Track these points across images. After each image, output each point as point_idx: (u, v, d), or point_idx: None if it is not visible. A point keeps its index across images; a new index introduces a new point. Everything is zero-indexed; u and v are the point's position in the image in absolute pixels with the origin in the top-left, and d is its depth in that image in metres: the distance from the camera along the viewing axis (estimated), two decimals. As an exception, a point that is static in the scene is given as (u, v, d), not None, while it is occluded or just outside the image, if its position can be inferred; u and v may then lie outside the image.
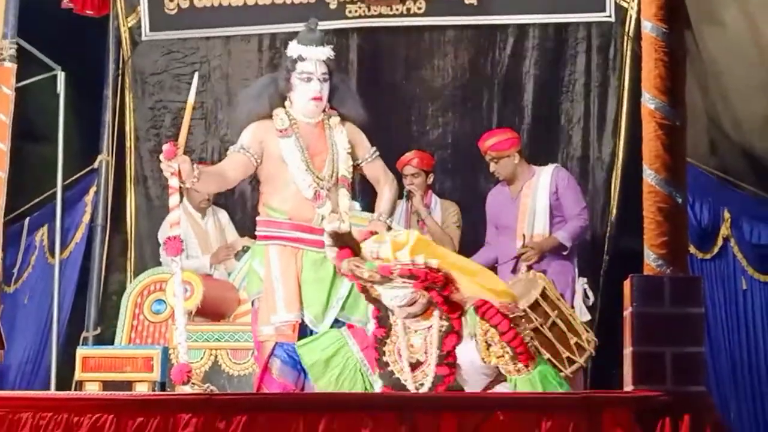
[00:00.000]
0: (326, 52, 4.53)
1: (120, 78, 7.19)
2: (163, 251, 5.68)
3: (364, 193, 6.63)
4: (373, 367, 3.94)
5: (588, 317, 5.80)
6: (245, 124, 4.59)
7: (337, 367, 4.00)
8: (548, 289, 5.34)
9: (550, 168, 6.08)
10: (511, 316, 3.82)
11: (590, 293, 5.88)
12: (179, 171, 4.22)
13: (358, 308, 4.44)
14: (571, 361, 5.19)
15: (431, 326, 3.82)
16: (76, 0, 6.92)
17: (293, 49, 4.55)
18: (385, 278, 3.70)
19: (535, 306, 5.20)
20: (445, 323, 3.81)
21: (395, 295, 3.76)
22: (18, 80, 6.08)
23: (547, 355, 4.82)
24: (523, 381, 3.80)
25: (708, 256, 6.40)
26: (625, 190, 6.40)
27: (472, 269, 3.87)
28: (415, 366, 3.83)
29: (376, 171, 4.66)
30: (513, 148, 6.03)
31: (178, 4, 7.17)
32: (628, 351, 3.39)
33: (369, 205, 6.20)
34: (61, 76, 6.82)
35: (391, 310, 3.85)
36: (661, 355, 3.30)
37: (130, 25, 7.20)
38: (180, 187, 4.29)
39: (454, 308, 3.80)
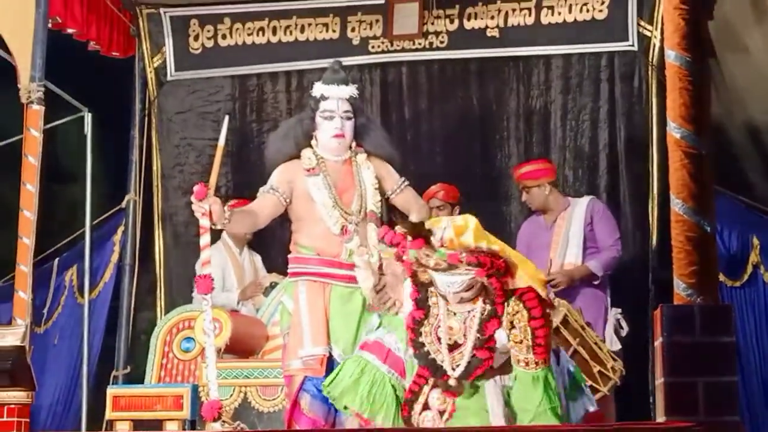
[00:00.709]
0: (349, 90, 4.60)
1: (146, 118, 7.27)
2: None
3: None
4: (402, 373, 3.96)
5: (618, 347, 5.77)
6: (274, 165, 4.64)
7: (366, 384, 3.98)
8: (570, 316, 5.32)
9: (585, 199, 6.09)
10: (547, 310, 3.86)
11: (624, 323, 5.85)
12: (210, 212, 4.23)
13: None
14: (594, 390, 5.17)
15: (472, 309, 3.85)
16: (103, 42, 7.00)
17: (317, 89, 4.64)
18: (452, 266, 3.72)
19: (555, 332, 5.18)
20: (489, 307, 3.84)
21: (453, 281, 3.77)
22: (46, 122, 6.12)
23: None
24: (526, 377, 3.81)
25: (738, 284, 6.35)
26: (663, 219, 6.37)
27: (521, 258, 3.92)
28: (452, 348, 3.85)
29: (407, 199, 4.69)
30: (544, 178, 6.04)
31: (202, 44, 7.24)
32: (659, 381, 3.37)
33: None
34: (88, 118, 6.89)
35: (433, 292, 3.87)
36: (693, 385, 3.27)
37: (155, 65, 7.28)
38: (211, 228, 4.31)
39: (505, 295, 3.84)
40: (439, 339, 3.87)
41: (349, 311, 4.46)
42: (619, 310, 5.89)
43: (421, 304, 3.93)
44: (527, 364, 3.83)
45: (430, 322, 3.91)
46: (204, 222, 4.28)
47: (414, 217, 4.62)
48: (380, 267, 4.47)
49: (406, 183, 4.73)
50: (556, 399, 3.85)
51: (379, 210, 4.58)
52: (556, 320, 5.22)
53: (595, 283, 5.89)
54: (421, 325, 3.92)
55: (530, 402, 3.83)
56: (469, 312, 3.87)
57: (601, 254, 5.93)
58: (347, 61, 7.04)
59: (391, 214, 4.91)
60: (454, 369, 3.84)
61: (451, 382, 3.84)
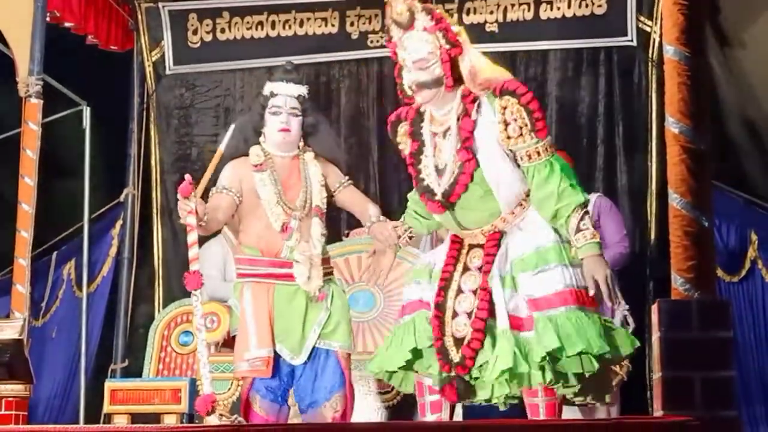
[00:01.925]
0: (298, 89, 4.66)
1: (145, 112, 7.26)
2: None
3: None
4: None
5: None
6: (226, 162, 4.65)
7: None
8: None
9: (593, 197, 6.06)
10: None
11: (630, 320, 5.86)
12: (195, 210, 4.28)
13: (339, 333, 4.53)
14: (615, 374, 5.20)
15: (450, 126, 4.00)
16: (101, 36, 6.99)
17: (267, 87, 4.71)
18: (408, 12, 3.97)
19: None
20: (461, 107, 3.98)
21: (414, 49, 3.98)
22: (44, 116, 6.14)
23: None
24: (540, 171, 3.89)
25: (736, 279, 6.35)
26: (660, 215, 6.36)
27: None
28: (441, 171, 4.02)
29: (351, 196, 4.71)
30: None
31: (201, 38, 7.23)
32: (656, 376, 3.37)
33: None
34: (86, 111, 6.90)
35: (422, 126, 4.08)
36: (690, 380, 3.28)
37: (154, 59, 7.27)
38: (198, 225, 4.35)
39: (466, 91, 3.99)
40: (436, 167, 4.04)
41: (294, 310, 4.50)
42: (627, 307, 5.89)
43: (416, 136, 4.13)
44: (538, 153, 3.90)
45: (426, 153, 4.07)
46: (190, 220, 4.30)
47: (363, 206, 4.65)
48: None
49: (350, 182, 4.75)
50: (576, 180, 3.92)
51: (325, 206, 4.62)
52: None
53: None
54: (419, 160, 4.10)
55: (549, 186, 3.89)
56: (449, 129, 4.00)
57: (608, 250, 5.94)
58: (346, 55, 7.10)
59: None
60: (443, 193, 3.99)
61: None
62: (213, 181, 4.55)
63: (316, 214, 4.57)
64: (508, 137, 3.93)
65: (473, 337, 3.91)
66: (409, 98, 4.19)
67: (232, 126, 4.51)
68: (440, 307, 4.03)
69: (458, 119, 4.01)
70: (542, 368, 3.82)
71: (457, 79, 4.02)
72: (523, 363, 3.81)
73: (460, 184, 4.00)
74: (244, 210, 4.60)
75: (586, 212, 3.91)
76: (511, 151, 3.96)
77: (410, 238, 4.33)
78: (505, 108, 3.92)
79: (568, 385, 3.91)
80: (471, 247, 4.09)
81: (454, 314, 3.99)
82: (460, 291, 4.01)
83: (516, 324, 3.89)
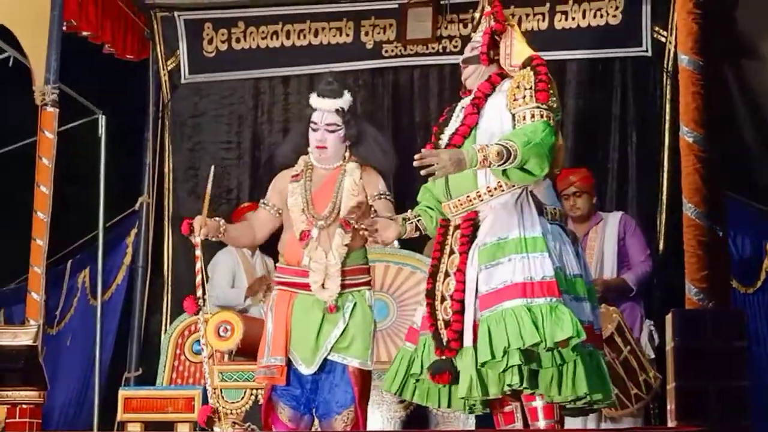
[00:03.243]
0: (336, 103, 4.59)
1: (160, 120, 7.29)
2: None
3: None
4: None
5: (652, 356, 5.77)
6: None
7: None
8: (623, 323, 5.35)
9: (617, 215, 6.08)
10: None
11: (656, 335, 5.85)
12: (200, 242, 4.50)
13: (354, 348, 4.46)
14: (639, 398, 5.20)
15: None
16: (117, 45, 7.03)
17: (311, 99, 4.67)
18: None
19: (610, 340, 5.21)
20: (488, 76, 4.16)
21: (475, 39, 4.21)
22: (60, 124, 6.16)
23: (615, 391, 4.77)
24: (525, 121, 3.92)
25: (751, 291, 6.32)
26: (671, 226, 6.34)
27: None
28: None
29: (381, 208, 4.64)
30: (590, 186, 6.03)
31: (216, 47, 7.27)
32: (670, 386, 3.36)
33: (405, 241, 6.23)
34: (102, 120, 6.94)
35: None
36: (704, 390, 3.26)
37: (169, 68, 7.31)
38: (202, 255, 4.54)
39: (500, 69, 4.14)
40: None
41: (311, 319, 4.49)
42: (652, 322, 5.89)
43: (449, 113, 4.28)
44: (533, 117, 3.92)
45: (449, 127, 4.19)
46: (198, 252, 4.51)
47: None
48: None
49: (389, 196, 4.68)
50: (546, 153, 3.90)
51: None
52: (611, 327, 5.26)
53: (630, 295, 5.90)
54: (444, 126, 4.22)
55: (520, 130, 3.92)
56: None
57: (634, 268, 5.95)
58: (360, 65, 7.11)
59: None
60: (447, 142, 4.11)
61: None
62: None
63: (341, 224, 4.55)
64: (514, 99, 3.99)
65: (453, 320, 3.91)
66: (465, 93, 4.32)
67: (213, 168, 4.62)
68: (430, 294, 4.05)
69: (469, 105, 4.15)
70: (508, 370, 3.81)
71: (496, 60, 4.14)
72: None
73: (458, 134, 4.08)
74: (284, 219, 4.63)
75: (510, 156, 3.83)
76: (512, 115, 3.98)
77: (418, 229, 4.29)
78: (522, 77, 4.01)
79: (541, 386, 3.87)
80: (455, 229, 4.10)
81: (443, 298, 4.00)
82: (446, 274, 4.02)
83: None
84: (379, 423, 5.56)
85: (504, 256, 3.89)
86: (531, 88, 3.95)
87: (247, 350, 5.85)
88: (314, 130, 4.58)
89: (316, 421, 4.58)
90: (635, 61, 6.74)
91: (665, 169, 6.54)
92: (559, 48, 6.78)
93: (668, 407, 3.39)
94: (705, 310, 3.37)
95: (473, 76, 4.18)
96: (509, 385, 3.81)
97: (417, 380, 4.10)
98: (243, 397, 5.73)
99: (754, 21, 6.31)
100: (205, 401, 4.92)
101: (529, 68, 4.00)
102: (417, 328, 4.16)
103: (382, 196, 4.58)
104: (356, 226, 4.26)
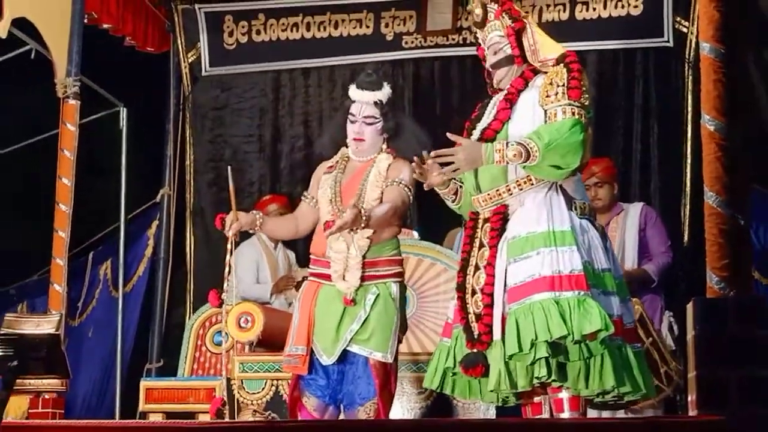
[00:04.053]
0: (374, 96, 4.58)
1: (181, 113, 7.31)
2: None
3: (421, 221, 6.65)
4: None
5: (672, 347, 5.75)
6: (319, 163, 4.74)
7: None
8: (645, 315, 5.33)
9: (638, 206, 6.05)
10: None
11: (675, 326, 5.83)
12: (231, 237, 4.51)
13: (374, 340, 4.43)
14: (660, 390, 5.17)
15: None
16: (138, 38, 7.05)
17: (350, 90, 4.65)
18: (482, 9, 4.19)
19: (632, 331, 5.17)
20: (521, 73, 4.16)
21: (489, 38, 4.21)
22: (82, 117, 6.20)
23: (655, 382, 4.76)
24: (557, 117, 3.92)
25: (773, 281, 6.29)
26: (694, 216, 6.31)
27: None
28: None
29: (391, 194, 4.61)
30: (612, 176, 6.02)
31: (237, 40, 7.28)
32: (691, 375, 3.34)
33: (425, 233, 6.24)
34: (123, 112, 6.97)
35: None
36: (725, 379, 3.24)
37: (190, 61, 7.33)
38: (232, 249, 4.56)
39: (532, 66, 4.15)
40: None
41: (331, 310, 4.48)
42: (671, 313, 5.86)
43: (481, 108, 4.29)
44: (564, 113, 3.93)
45: (481, 122, 4.22)
46: (228, 245, 4.54)
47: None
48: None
49: (403, 184, 4.64)
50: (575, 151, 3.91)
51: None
52: (633, 318, 5.24)
53: (651, 287, 5.88)
54: (477, 122, 4.24)
55: (562, 129, 3.91)
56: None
57: (655, 259, 5.93)
58: (380, 57, 7.11)
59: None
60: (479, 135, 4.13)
61: None
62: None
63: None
64: (547, 96, 4.00)
65: (484, 313, 3.92)
66: (495, 92, 4.31)
67: (229, 168, 4.61)
68: (460, 288, 4.05)
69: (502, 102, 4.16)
70: (536, 363, 3.80)
71: (524, 55, 4.15)
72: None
73: (490, 129, 4.08)
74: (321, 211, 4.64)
75: (529, 157, 3.87)
76: (544, 111, 3.99)
77: (456, 193, 4.25)
78: (555, 74, 4.01)
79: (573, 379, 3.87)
80: (484, 222, 4.10)
81: (473, 291, 4.00)
82: (477, 268, 4.02)
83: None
84: (399, 414, 5.56)
85: (533, 249, 3.89)
86: (564, 85, 3.96)
87: (268, 341, 5.86)
88: (352, 122, 4.57)
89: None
90: (657, 52, 6.72)
91: (688, 159, 6.52)
92: (580, 39, 6.75)
93: (689, 396, 3.38)
94: (726, 299, 3.34)
95: (507, 78, 4.19)
96: (537, 378, 3.81)
97: (454, 374, 4.10)
98: (264, 388, 5.74)
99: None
100: (228, 390, 4.97)
101: (562, 65, 4.01)
102: (451, 322, 4.17)
103: (395, 183, 4.53)
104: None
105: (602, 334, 3.76)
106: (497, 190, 4.05)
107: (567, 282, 3.82)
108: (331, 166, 4.60)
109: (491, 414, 5.21)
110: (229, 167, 4.62)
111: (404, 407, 5.53)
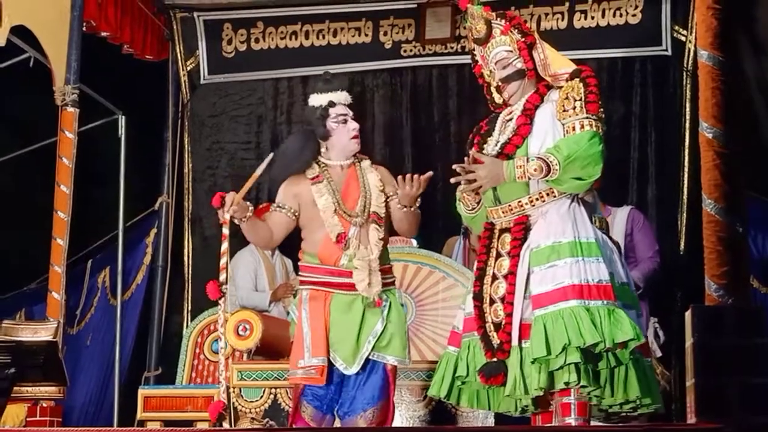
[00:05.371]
0: (348, 97, 4.66)
1: (180, 120, 7.32)
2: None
3: (420, 230, 6.64)
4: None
5: (659, 354, 5.75)
6: (281, 182, 4.66)
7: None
8: None
9: (626, 209, 6.04)
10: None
11: (661, 333, 5.82)
12: (229, 219, 4.40)
13: (393, 346, 4.46)
14: None
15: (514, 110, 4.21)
16: (136, 45, 7.06)
17: (321, 98, 4.65)
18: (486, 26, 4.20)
19: None
20: (534, 88, 4.19)
21: (495, 53, 4.21)
22: (80, 124, 6.20)
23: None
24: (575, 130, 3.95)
25: (772, 290, 6.29)
26: (691, 225, 6.32)
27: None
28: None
29: (395, 208, 4.65)
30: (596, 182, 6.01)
31: (235, 48, 7.29)
32: (690, 383, 3.34)
33: (424, 241, 6.24)
34: (122, 120, 6.96)
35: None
36: (724, 387, 3.24)
37: (189, 68, 7.33)
38: (228, 236, 4.46)
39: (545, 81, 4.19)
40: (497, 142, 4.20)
41: (350, 320, 4.47)
42: (656, 319, 5.85)
43: (489, 123, 4.31)
44: (582, 127, 3.97)
45: (493, 134, 4.23)
46: (224, 230, 4.42)
47: (396, 224, 4.65)
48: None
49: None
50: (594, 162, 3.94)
51: (383, 212, 4.59)
52: None
53: (637, 293, 5.86)
54: (488, 137, 4.25)
55: (571, 138, 3.96)
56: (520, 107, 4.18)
57: (641, 265, 5.90)
58: (379, 65, 7.12)
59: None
60: (496, 150, 4.13)
61: None
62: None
63: (374, 220, 4.55)
64: (564, 110, 4.04)
65: (506, 322, 3.94)
66: (499, 108, 4.33)
67: (270, 155, 4.54)
68: (477, 297, 4.07)
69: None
70: (565, 368, 3.81)
71: (535, 69, 4.18)
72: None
73: (511, 144, 4.10)
74: (304, 220, 4.60)
75: (549, 171, 3.93)
76: (562, 125, 4.03)
77: (477, 199, 4.27)
78: (571, 88, 4.05)
79: (596, 387, 3.87)
80: (501, 232, 4.12)
81: (492, 301, 4.02)
82: (494, 277, 4.04)
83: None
84: (399, 422, 5.56)
85: (559, 258, 3.92)
86: (581, 99, 4.01)
87: (266, 349, 5.86)
88: (344, 122, 4.59)
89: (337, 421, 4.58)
90: (655, 61, 6.73)
91: (686, 168, 6.53)
92: (579, 47, 6.75)
93: (688, 404, 3.37)
94: (725, 306, 3.34)
95: (518, 92, 4.21)
96: (566, 383, 3.83)
97: (463, 383, 4.12)
98: (262, 396, 5.73)
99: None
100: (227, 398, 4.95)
101: (578, 80, 4.05)
102: (459, 331, 4.18)
103: (395, 196, 4.58)
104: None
105: (633, 344, 3.81)
106: (519, 202, 4.08)
107: (596, 291, 3.87)
108: (315, 177, 4.58)
109: (490, 422, 5.21)
110: (272, 154, 4.55)
111: (403, 416, 5.53)
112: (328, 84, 4.69)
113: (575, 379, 3.79)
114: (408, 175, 4.39)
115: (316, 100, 4.66)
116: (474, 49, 4.33)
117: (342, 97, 4.64)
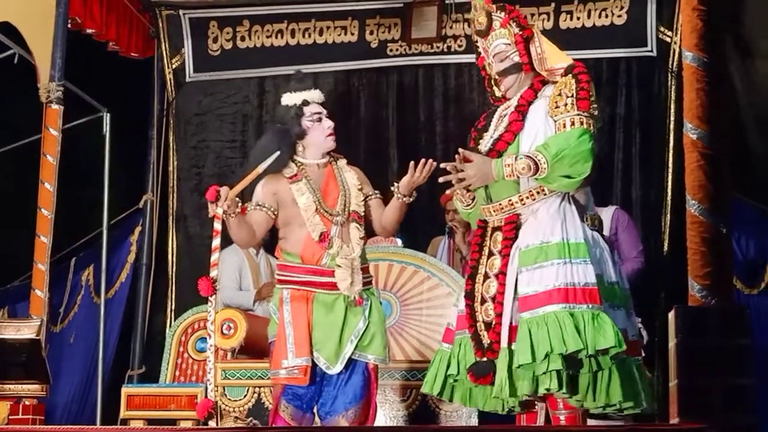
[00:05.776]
0: (321, 94, 4.68)
1: (165, 118, 7.30)
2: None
3: (405, 229, 6.65)
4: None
5: (642, 355, 5.75)
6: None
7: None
8: None
9: (610, 209, 6.03)
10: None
11: (644, 333, 5.82)
12: (223, 215, 4.35)
13: (374, 345, 4.49)
14: None
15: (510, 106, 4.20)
16: (122, 43, 7.04)
17: (294, 97, 4.64)
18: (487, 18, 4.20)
19: None
20: (529, 83, 4.17)
21: (494, 46, 4.20)
22: (65, 122, 6.18)
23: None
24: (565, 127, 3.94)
25: (755, 291, 6.31)
26: (675, 227, 6.33)
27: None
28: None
29: (374, 208, 4.68)
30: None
31: (221, 46, 7.28)
32: (673, 383, 3.34)
33: (409, 241, 6.24)
34: (106, 118, 6.94)
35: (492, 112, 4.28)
36: (707, 387, 3.25)
37: (174, 66, 7.32)
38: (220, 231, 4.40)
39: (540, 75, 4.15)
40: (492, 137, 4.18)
41: (333, 319, 4.48)
42: (639, 320, 5.85)
43: (486, 118, 4.29)
44: (573, 124, 3.95)
45: (489, 129, 4.22)
46: (216, 225, 4.37)
47: (375, 223, 4.68)
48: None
49: (378, 195, 4.73)
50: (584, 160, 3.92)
51: (362, 210, 4.60)
52: None
53: None
54: (484, 132, 4.23)
55: (570, 138, 3.92)
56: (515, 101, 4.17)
57: (624, 265, 5.90)
58: (365, 64, 7.12)
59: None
60: (487, 147, 4.12)
61: None
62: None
63: (354, 219, 4.57)
64: (556, 106, 4.01)
65: (496, 321, 3.93)
66: (499, 101, 4.33)
67: (277, 153, 4.50)
68: (469, 295, 4.06)
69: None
70: (546, 374, 3.80)
71: (532, 63, 4.17)
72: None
73: (502, 140, 4.08)
74: (283, 219, 4.59)
75: (537, 170, 3.91)
76: (554, 122, 4.01)
77: (472, 196, 4.25)
78: (564, 85, 4.03)
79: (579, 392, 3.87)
80: (493, 230, 4.11)
81: (483, 300, 4.01)
82: (486, 276, 4.04)
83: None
84: (382, 422, 5.56)
85: (546, 260, 3.90)
86: (573, 96, 3.98)
87: (250, 348, 5.85)
88: (319, 120, 4.60)
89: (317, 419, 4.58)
90: (640, 62, 6.75)
91: (670, 169, 6.55)
92: (564, 48, 6.67)
93: (671, 404, 3.38)
94: (708, 307, 3.35)
95: (515, 86, 4.20)
96: (546, 390, 3.81)
97: (455, 380, 4.11)
98: (246, 395, 5.72)
99: (758, 20, 6.30)
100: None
101: (570, 76, 4.03)
102: (453, 328, 4.17)
103: (374, 196, 4.66)
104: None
105: (614, 351, 3.79)
106: (509, 200, 4.06)
107: (581, 295, 3.84)
108: (293, 176, 4.58)
109: (473, 421, 5.22)
110: (278, 152, 4.49)
111: (387, 415, 5.53)
112: (301, 83, 4.69)
113: (556, 386, 3.77)
114: (422, 161, 4.40)
115: (290, 99, 4.66)
116: (477, 41, 4.32)
117: (315, 95, 4.65)
